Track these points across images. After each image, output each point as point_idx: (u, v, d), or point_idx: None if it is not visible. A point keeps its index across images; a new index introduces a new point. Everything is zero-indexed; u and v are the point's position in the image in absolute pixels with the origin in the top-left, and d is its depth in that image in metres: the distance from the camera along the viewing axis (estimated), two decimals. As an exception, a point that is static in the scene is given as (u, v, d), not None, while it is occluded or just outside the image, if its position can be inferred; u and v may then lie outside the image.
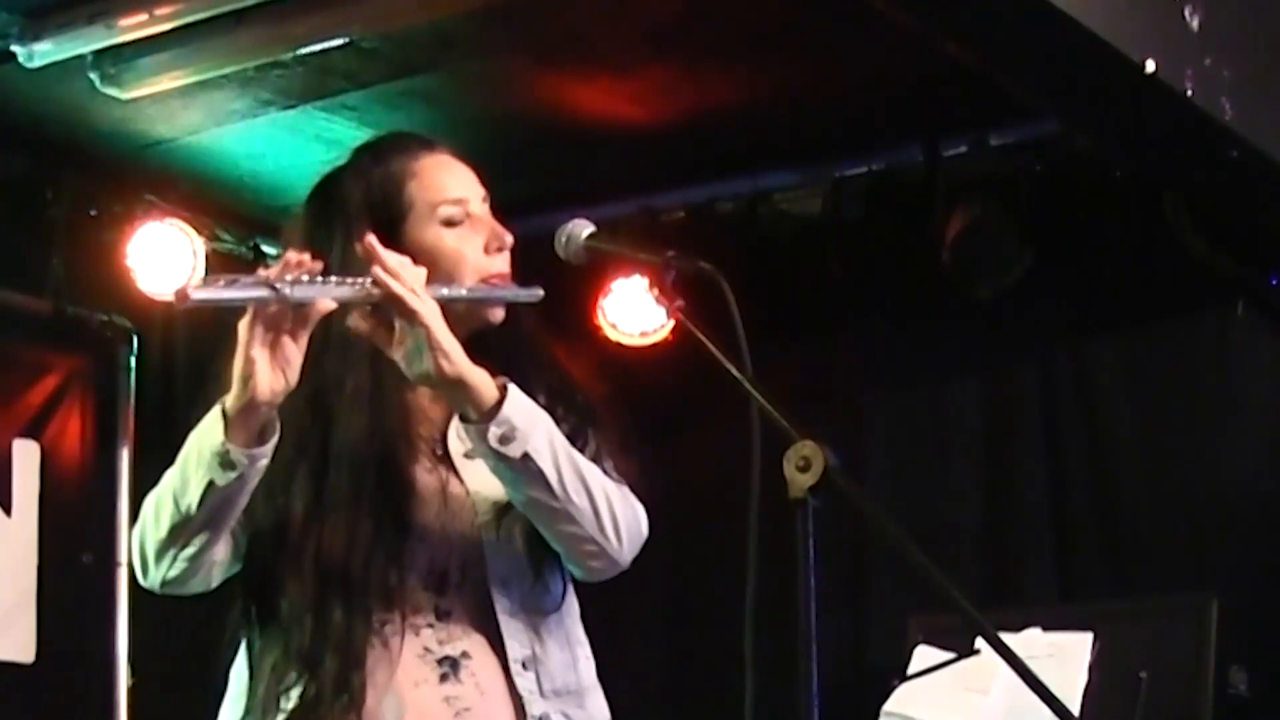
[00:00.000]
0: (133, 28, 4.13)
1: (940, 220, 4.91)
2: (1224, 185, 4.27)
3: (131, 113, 4.60)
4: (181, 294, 2.28)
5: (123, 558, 4.99)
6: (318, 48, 4.24)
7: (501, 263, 2.60)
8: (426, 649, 2.51)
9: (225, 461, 2.34)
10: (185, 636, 4.51)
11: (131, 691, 5.03)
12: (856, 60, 4.43)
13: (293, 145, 4.80)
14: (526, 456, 2.43)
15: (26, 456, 4.91)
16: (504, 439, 2.42)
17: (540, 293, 2.58)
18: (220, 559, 2.48)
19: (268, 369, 2.33)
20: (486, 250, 2.58)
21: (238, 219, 5.22)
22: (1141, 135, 4.06)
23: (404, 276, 2.39)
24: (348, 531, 2.46)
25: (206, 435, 2.36)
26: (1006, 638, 2.18)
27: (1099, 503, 4.96)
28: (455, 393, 2.43)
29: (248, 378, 2.33)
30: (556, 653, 2.58)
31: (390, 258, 2.41)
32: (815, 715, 2.11)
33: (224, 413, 2.35)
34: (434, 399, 2.58)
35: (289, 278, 2.32)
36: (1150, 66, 3.59)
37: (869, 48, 4.24)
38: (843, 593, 5.03)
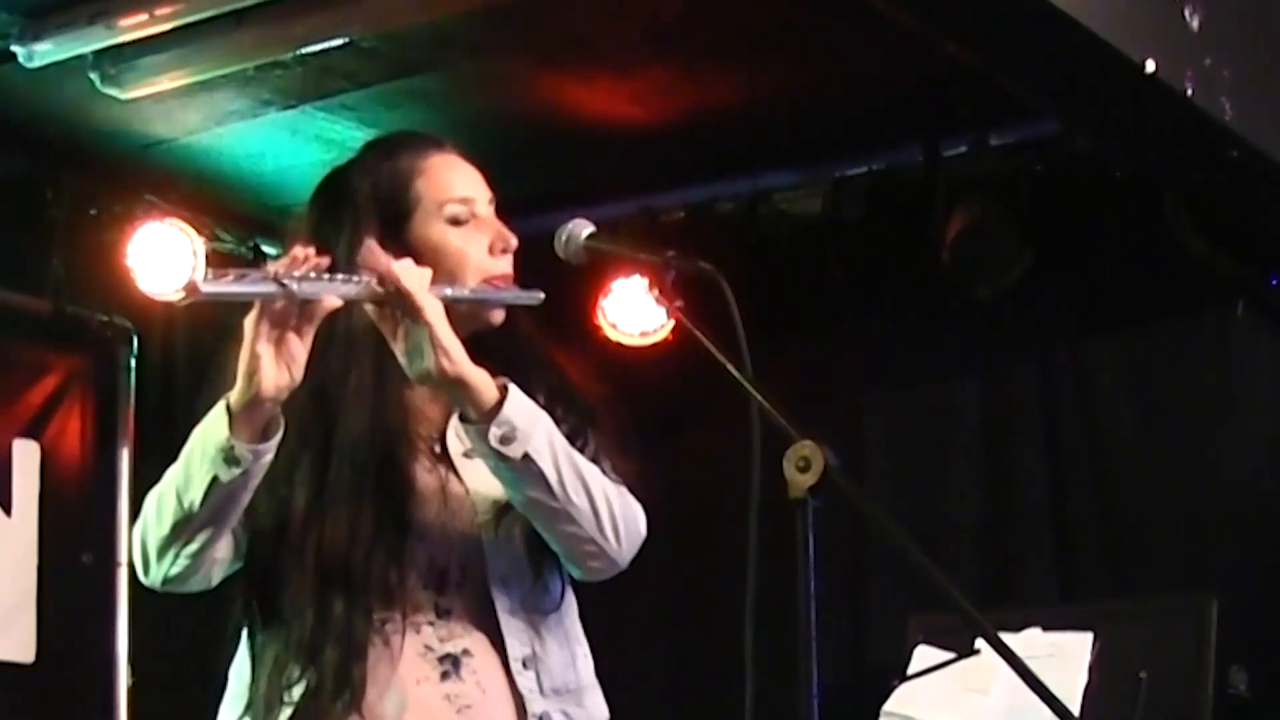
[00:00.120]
0: (133, 28, 4.13)
1: (940, 220, 4.91)
2: (1224, 185, 4.26)
3: (131, 113, 4.60)
4: (191, 287, 2.29)
5: (123, 557, 4.99)
6: (318, 48, 4.24)
7: (505, 264, 2.60)
8: (427, 647, 2.51)
9: (230, 457, 2.35)
10: (185, 636, 4.51)
11: (131, 691, 5.03)
12: (856, 60, 4.43)
13: (293, 145, 4.80)
14: (527, 457, 2.43)
15: (26, 456, 4.91)
16: (505, 439, 2.42)
17: (541, 295, 2.59)
18: (221, 557, 2.48)
19: (273, 365, 2.34)
20: (491, 251, 2.59)
21: (238, 219, 5.22)
22: (1141, 135, 4.06)
23: (408, 276, 2.40)
24: (349, 527, 2.47)
25: (211, 431, 2.37)
26: (1006, 638, 2.19)
27: (1099, 503, 4.96)
28: (456, 392, 2.43)
29: (253, 373, 2.33)
30: (556, 651, 2.58)
31: (394, 260, 2.42)
32: (815, 715, 2.11)
33: (228, 408, 2.36)
34: (432, 398, 2.59)
35: (296, 274, 2.32)
36: (1150, 66, 3.59)
37: (869, 48, 4.24)
38: (843, 593, 5.03)
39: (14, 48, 4.22)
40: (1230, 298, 4.78)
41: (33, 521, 4.88)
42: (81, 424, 5.05)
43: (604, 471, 2.56)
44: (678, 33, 4.34)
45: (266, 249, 5.16)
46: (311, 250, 2.36)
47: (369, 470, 2.49)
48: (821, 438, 2.15)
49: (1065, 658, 3.78)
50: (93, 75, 4.37)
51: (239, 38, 4.19)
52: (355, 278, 2.40)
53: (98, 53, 4.29)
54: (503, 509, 2.55)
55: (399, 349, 2.43)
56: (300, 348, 2.36)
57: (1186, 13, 3.71)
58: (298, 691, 2.45)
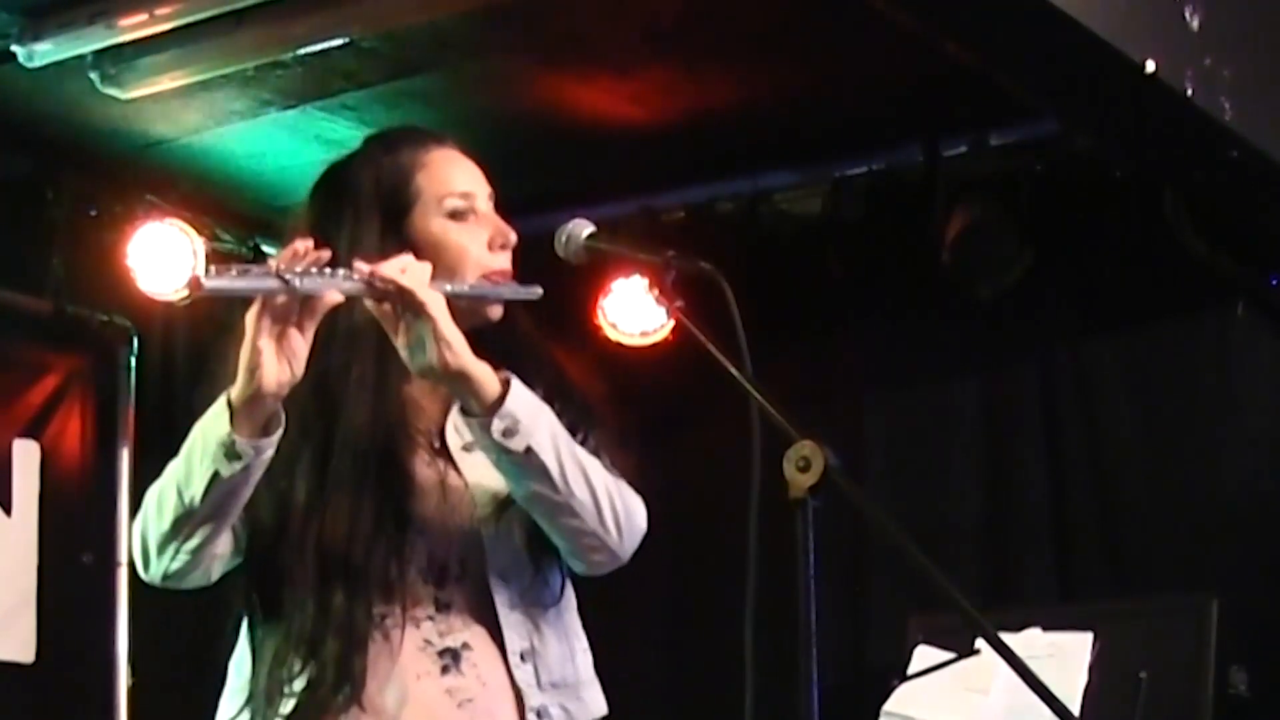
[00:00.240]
0: (133, 28, 4.13)
1: (940, 220, 4.91)
2: (1224, 185, 4.26)
3: (131, 113, 4.60)
4: (194, 282, 2.30)
5: (123, 557, 4.99)
6: (318, 48, 4.24)
7: (504, 260, 2.61)
8: (427, 641, 2.52)
9: (230, 452, 2.35)
10: (185, 637, 4.54)
11: (131, 691, 5.03)
12: (856, 60, 4.43)
13: (293, 145, 4.80)
14: (530, 450, 2.44)
15: (26, 456, 4.91)
16: (507, 432, 2.42)
17: (539, 291, 2.59)
18: (221, 552, 2.49)
19: (274, 360, 2.34)
20: (490, 246, 2.60)
21: (238, 219, 5.22)
22: (1141, 135, 4.06)
23: (409, 271, 2.40)
24: (349, 520, 2.47)
25: (212, 426, 2.37)
26: (1006, 638, 2.19)
27: (1099, 503, 4.96)
28: (458, 385, 2.44)
29: (255, 369, 2.33)
30: (555, 646, 2.59)
31: (392, 261, 2.42)
32: (815, 715, 2.11)
33: (230, 404, 2.36)
34: (431, 393, 2.60)
35: (298, 269, 2.32)
36: (1150, 66, 3.59)
37: (869, 48, 4.24)
38: (843, 593, 5.03)
39: (14, 48, 4.22)
40: (1230, 298, 4.77)
41: (33, 521, 4.88)
42: (81, 424, 5.05)
43: (604, 466, 2.56)
44: (678, 33, 4.33)
45: (266, 249, 5.16)
46: (310, 244, 2.36)
47: (369, 464, 2.50)
48: (821, 438, 2.15)
49: (1065, 658, 3.78)
50: (93, 75, 4.37)
51: (239, 38, 4.19)
52: (354, 273, 2.40)
53: (98, 53, 4.29)
54: (502, 503, 2.55)
55: (400, 343, 2.43)
56: (302, 343, 2.36)
57: (1186, 13, 3.71)
58: (298, 684, 2.46)
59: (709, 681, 4.62)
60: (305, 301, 2.34)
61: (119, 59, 4.32)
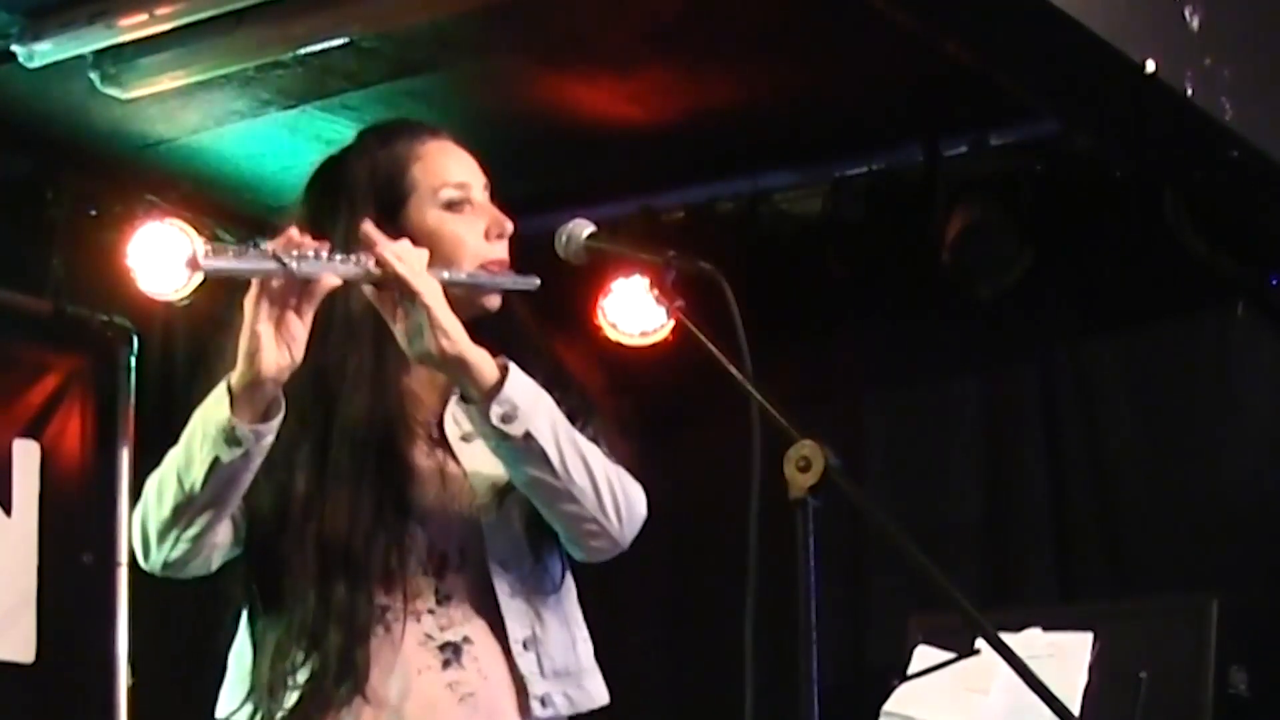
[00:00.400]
0: (133, 28, 4.13)
1: (940, 220, 4.91)
2: (1224, 185, 4.26)
3: (131, 113, 4.60)
4: (192, 262, 2.32)
5: (123, 557, 4.99)
6: (318, 48, 4.24)
7: (501, 250, 2.61)
8: (428, 635, 2.52)
9: (231, 438, 2.35)
10: (185, 636, 4.53)
11: (131, 691, 5.03)
12: (856, 60, 4.43)
13: (293, 145, 4.80)
14: (529, 435, 2.44)
15: (26, 456, 4.91)
16: (506, 418, 2.42)
17: (536, 281, 2.59)
18: (221, 542, 2.48)
19: (273, 345, 2.34)
20: (487, 236, 2.60)
21: (238, 219, 5.21)
22: (1141, 135, 4.06)
23: (406, 258, 2.40)
24: (349, 510, 2.48)
25: (212, 412, 2.37)
26: (1006, 638, 2.19)
27: (1099, 503, 4.96)
28: (456, 372, 2.44)
29: (254, 353, 2.33)
30: (556, 634, 2.59)
31: (390, 244, 2.42)
32: (815, 715, 2.11)
33: (230, 389, 2.36)
34: (430, 384, 2.60)
35: (295, 253, 2.32)
36: (1150, 66, 3.59)
37: (869, 48, 4.24)
38: (843, 593, 5.03)
39: (14, 48, 4.22)
40: (1230, 298, 4.78)
41: (33, 521, 4.88)
42: (81, 424, 5.05)
43: (603, 453, 2.56)
44: (678, 33, 4.34)
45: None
46: (306, 236, 2.37)
47: (368, 455, 2.50)
48: (821, 438, 2.15)
49: (1065, 658, 3.78)
50: (93, 75, 4.37)
51: (239, 38, 4.19)
52: (354, 258, 2.40)
53: (98, 53, 4.29)
54: (501, 491, 2.55)
55: (398, 330, 2.43)
56: (300, 328, 2.36)
57: (1186, 13, 3.71)
58: (301, 676, 2.46)
59: (709, 681, 4.63)
60: (303, 285, 2.34)
61: (119, 59, 4.32)
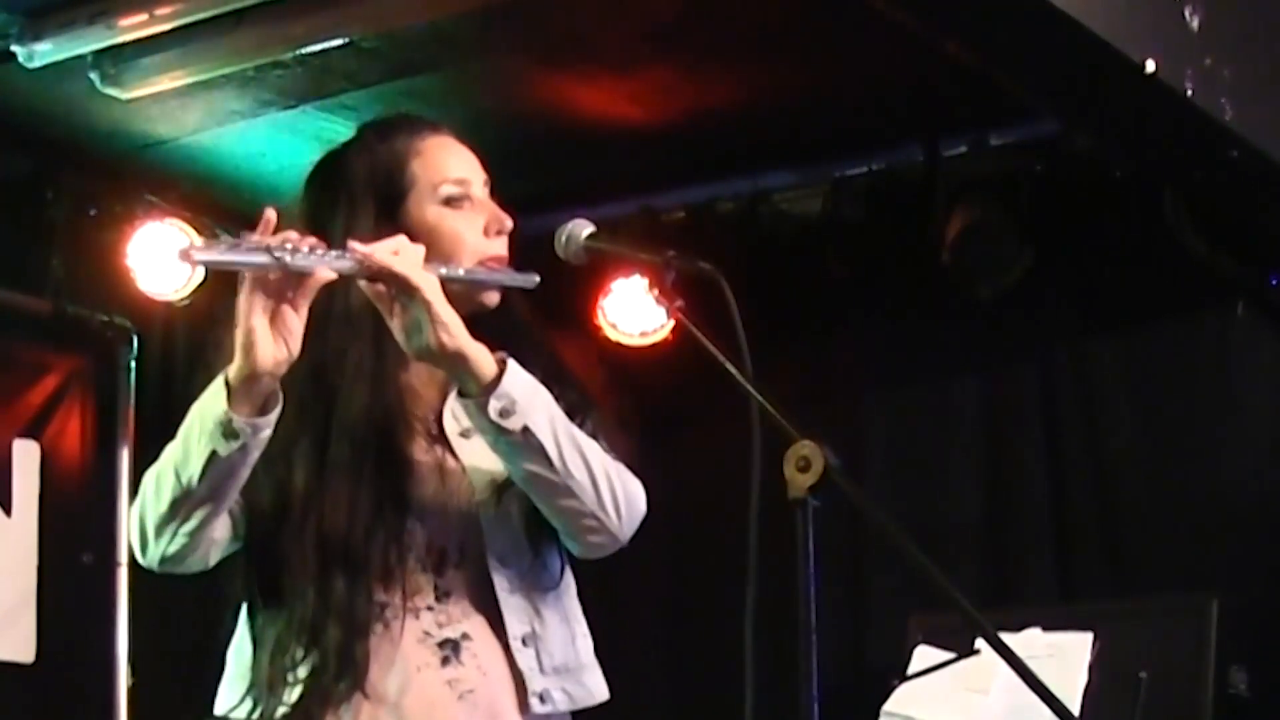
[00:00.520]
0: (133, 28, 4.13)
1: (940, 220, 4.91)
2: (1224, 185, 4.26)
3: (131, 113, 4.60)
4: (185, 254, 2.31)
5: (123, 558, 4.99)
6: (318, 48, 4.24)
7: (500, 246, 2.61)
8: (427, 633, 2.52)
9: (228, 431, 2.34)
10: (185, 636, 4.53)
11: (131, 691, 5.03)
12: (856, 60, 4.43)
13: (293, 145, 4.80)
14: (526, 430, 2.43)
15: (26, 456, 4.91)
16: (504, 412, 2.42)
17: (536, 278, 2.59)
18: (219, 537, 2.48)
19: (269, 338, 2.34)
20: (486, 233, 2.60)
21: (238, 219, 5.20)
22: (1141, 135, 4.06)
23: (403, 254, 2.40)
24: (348, 506, 2.47)
25: (209, 406, 2.37)
26: (1006, 638, 2.19)
27: (1099, 503, 4.96)
28: (455, 367, 2.43)
29: (249, 347, 2.33)
30: (556, 629, 2.59)
31: (385, 242, 2.41)
32: (815, 715, 2.11)
33: (227, 383, 2.35)
34: (429, 380, 2.60)
35: (289, 246, 2.32)
36: (1150, 66, 3.59)
37: (869, 48, 4.24)
38: (843, 593, 5.03)
39: (14, 48, 4.22)
40: (1230, 298, 4.78)
41: (33, 521, 4.88)
42: (81, 424, 5.05)
43: (602, 449, 2.56)
44: (678, 33, 4.34)
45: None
46: (294, 233, 2.36)
47: (367, 450, 2.50)
48: (821, 438, 2.15)
49: (1065, 658, 3.78)
50: (93, 75, 4.37)
51: (239, 38, 4.19)
52: (347, 254, 2.39)
53: (98, 53, 4.29)
54: (500, 487, 2.55)
55: (395, 326, 2.42)
56: (296, 321, 2.35)
57: (1186, 13, 3.71)
58: (301, 672, 2.45)
59: (709, 681, 4.62)
60: (298, 279, 2.34)
61: (119, 59, 4.32)
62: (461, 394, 2.46)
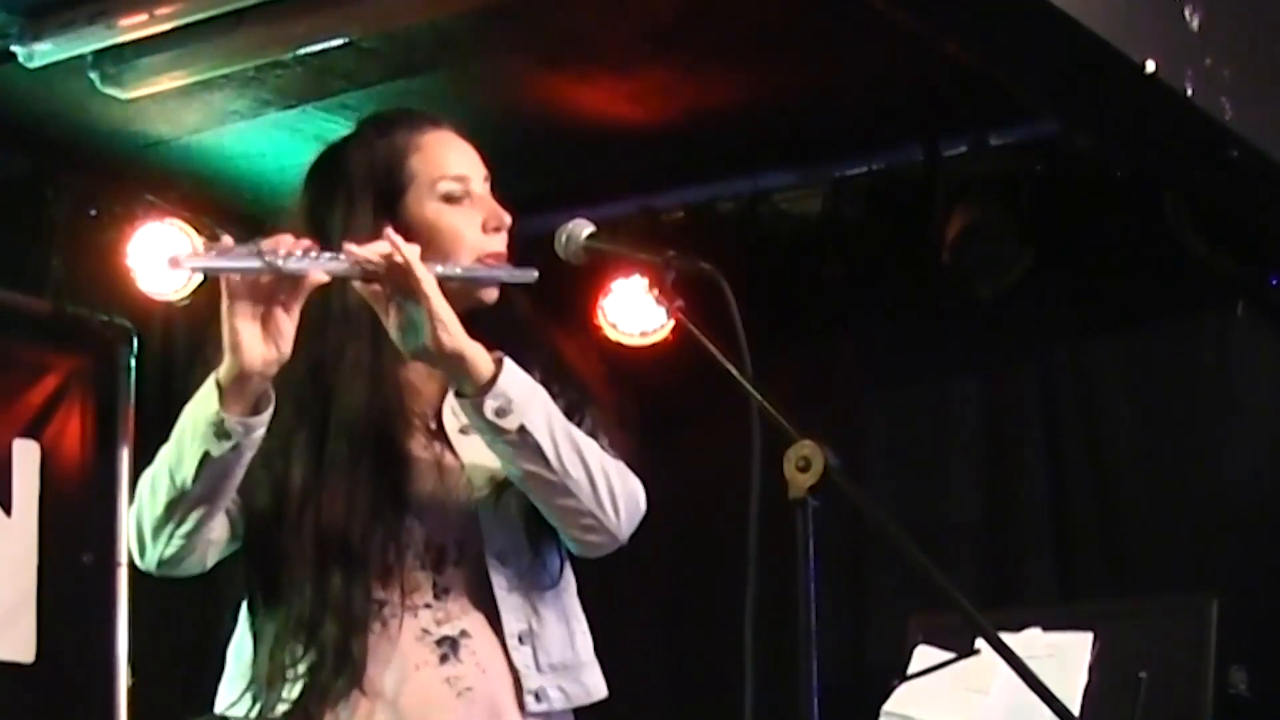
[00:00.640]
0: (133, 28, 4.13)
1: (940, 220, 4.91)
2: (1224, 185, 4.26)
3: (131, 113, 4.60)
4: (174, 261, 2.31)
5: (123, 557, 4.99)
6: (318, 48, 4.24)
7: (499, 242, 2.60)
8: (425, 630, 2.52)
9: (220, 431, 2.34)
10: (185, 636, 4.54)
11: (131, 691, 5.03)
12: (856, 60, 4.43)
13: (293, 145, 4.80)
14: (523, 429, 2.43)
15: (26, 456, 4.91)
16: (500, 412, 2.42)
17: (535, 274, 2.58)
18: (216, 538, 2.48)
19: (257, 339, 2.33)
20: (484, 229, 2.59)
21: (238, 219, 5.20)
22: (1141, 135, 4.06)
23: (399, 254, 2.39)
24: (346, 499, 2.47)
25: (201, 406, 2.37)
26: (1006, 638, 2.19)
27: (1099, 503, 4.96)
28: (452, 366, 2.43)
29: (235, 347, 2.33)
30: (554, 627, 2.59)
31: (380, 243, 2.40)
32: (815, 715, 2.11)
33: (218, 383, 2.35)
34: (428, 376, 2.59)
35: (281, 250, 2.32)
36: (1150, 66, 3.59)
37: (869, 48, 4.24)
38: (843, 593, 5.03)
39: (14, 48, 4.22)
40: (1230, 298, 4.78)
41: (33, 521, 4.88)
42: (81, 424, 5.05)
43: (602, 448, 2.56)
44: (678, 33, 4.34)
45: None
46: (288, 236, 2.36)
47: (365, 446, 2.49)
48: (821, 438, 2.15)
49: (1065, 658, 3.78)
50: (93, 75, 4.36)
51: (239, 38, 4.18)
52: (341, 255, 2.39)
53: (98, 53, 4.29)
54: (500, 484, 2.55)
55: (391, 325, 2.42)
56: (288, 322, 2.35)
57: (1186, 13, 3.71)
58: (300, 669, 2.45)
59: (709, 681, 4.63)
60: (290, 281, 2.33)
61: (119, 59, 4.32)
62: (458, 394, 2.46)
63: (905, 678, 3.96)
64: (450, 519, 2.55)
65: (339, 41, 4.22)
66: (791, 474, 2.14)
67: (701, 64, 4.53)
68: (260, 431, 2.38)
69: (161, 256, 4.91)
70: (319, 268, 2.35)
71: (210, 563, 2.51)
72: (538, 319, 2.68)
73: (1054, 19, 3.37)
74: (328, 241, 2.45)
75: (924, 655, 3.97)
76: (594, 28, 4.33)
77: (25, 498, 4.87)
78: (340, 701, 2.46)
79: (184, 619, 4.55)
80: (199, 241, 4.98)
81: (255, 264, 2.30)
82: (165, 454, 2.42)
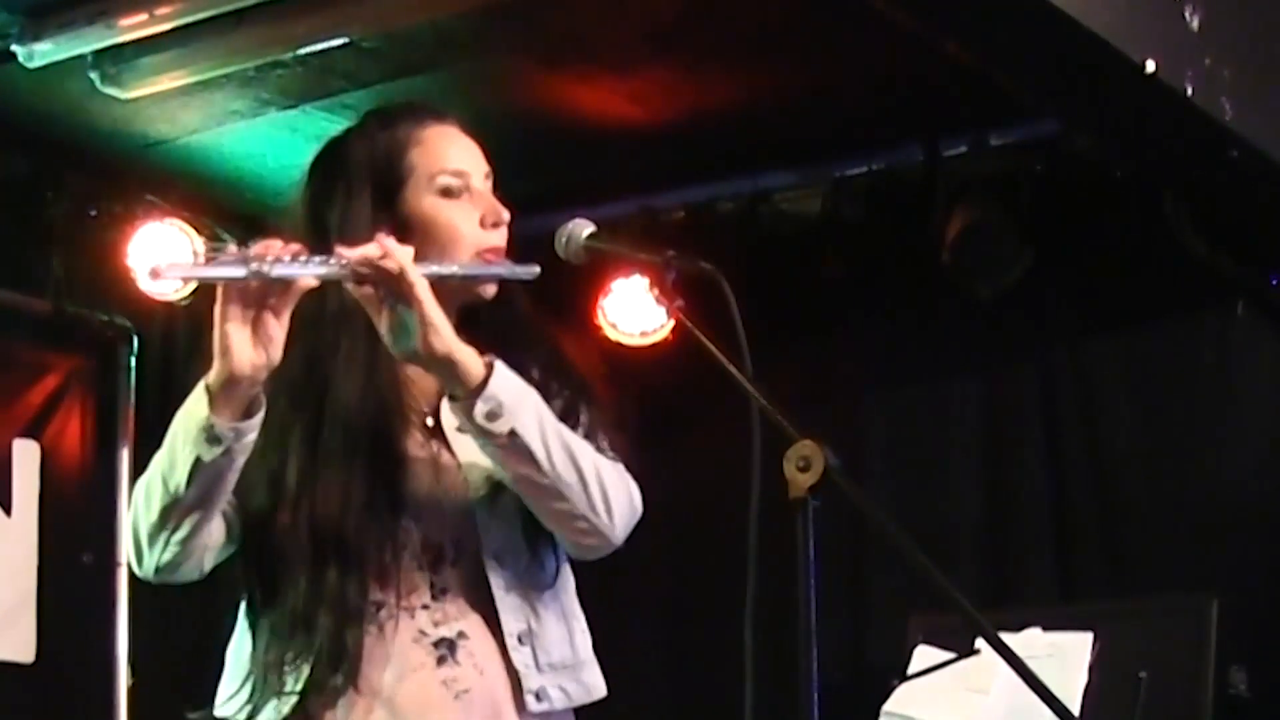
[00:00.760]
0: (133, 28, 4.13)
1: (940, 220, 4.91)
2: (1224, 185, 4.26)
3: (131, 113, 4.60)
4: (154, 271, 2.32)
5: (123, 558, 4.98)
6: (318, 48, 4.24)
7: (497, 238, 2.60)
8: (422, 631, 2.51)
9: (211, 436, 2.34)
10: (185, 636, 4.54)
11: (131, 691, 5.03)
12: (856, 60, 4.43)
13: (293, 145, 4.80)
14: (514, 433, 2.43)
15: (26, 456, 4.91)
16: (490, 415, 2.41)
17: (536, 269, 2.57)
18: (213, 543, 2.48)
19: (247, 344, 2.32)
20: (483, 224, 2.59)
21: (238, 219, 5.21)
22: (1141, 135, 4.06)
23: (391, 256, 2.38)
24: (341, 492, 2.47)
25: (192, 412, 2.36)
26: (1006, 638, 2.19)
27: (1099, 503, 4.96)
28: (442, 369, 2.43)
29: (224, 352, 2.32)
30: (552, 627, 2.58)
31: (371, 245, 2.39)
32: (815, 715, 2.11)
33: (207, 388, 2.35)
34: (427, 373, 2.58)
35: (270, 256, 2.31)
36: (1150, 66, 3.59)
37: (869, 48, 4.24)
38: (843, 593, 5.03)
39: (14, 48, 4.22)
40: (1230, 298, 4.78)
41: (33, 521, 4.88)
42: (81, 424, 5.05)
43: (599, 449, 2.55)
44: (678, 33, 4.34)
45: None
46: (277, 243, 2.35)
47: (360, 442, 2.49)
48: (821, 438, 2.15)
49: (1065, 658, 3.78)
50: (93, 75, 4.37)
51: (239, 38, 4.19)
52: (331, 259, 2.38)
53: (98, 53, 4.29)
54: (497, 484, 2.54)
55: (383, 327, 2.41)
56: (277, 327, 2.34)
57: (1186, 13, 3.71)
58: (297, 664, 2.45)
59: (709, 681, 4.63)
60: (280, 286, 2.32)
61: (119, 59, 4.32)
62: (450, 397, 2.45)
63: (905, 678, 3.96)
64: (447, 519, 2.54)
65: (339, 41, 4.22)
66: (791, 474, 2.14)
67: (701, 64, 4.53)
68: (251, 436, 2.38)
69: (162, 257, 4.90)
70: (308, 273, 2.35)
71: (207, 568, 2.51)
72: (537, 318, 2.68)
73: (1054, 19, 3.37)
74: (326, 233, 2.45)
75: (924, 655, 3.97)
76: (594, 28, 4.33)
77: (25, 498, 4.87)
78: (339, 700, 2.45)
79: (184, 619, 4.55)
80: (199, 242, 4.98)
81: (239, 272, 2.29)
82: (159, 460, 2.42)
